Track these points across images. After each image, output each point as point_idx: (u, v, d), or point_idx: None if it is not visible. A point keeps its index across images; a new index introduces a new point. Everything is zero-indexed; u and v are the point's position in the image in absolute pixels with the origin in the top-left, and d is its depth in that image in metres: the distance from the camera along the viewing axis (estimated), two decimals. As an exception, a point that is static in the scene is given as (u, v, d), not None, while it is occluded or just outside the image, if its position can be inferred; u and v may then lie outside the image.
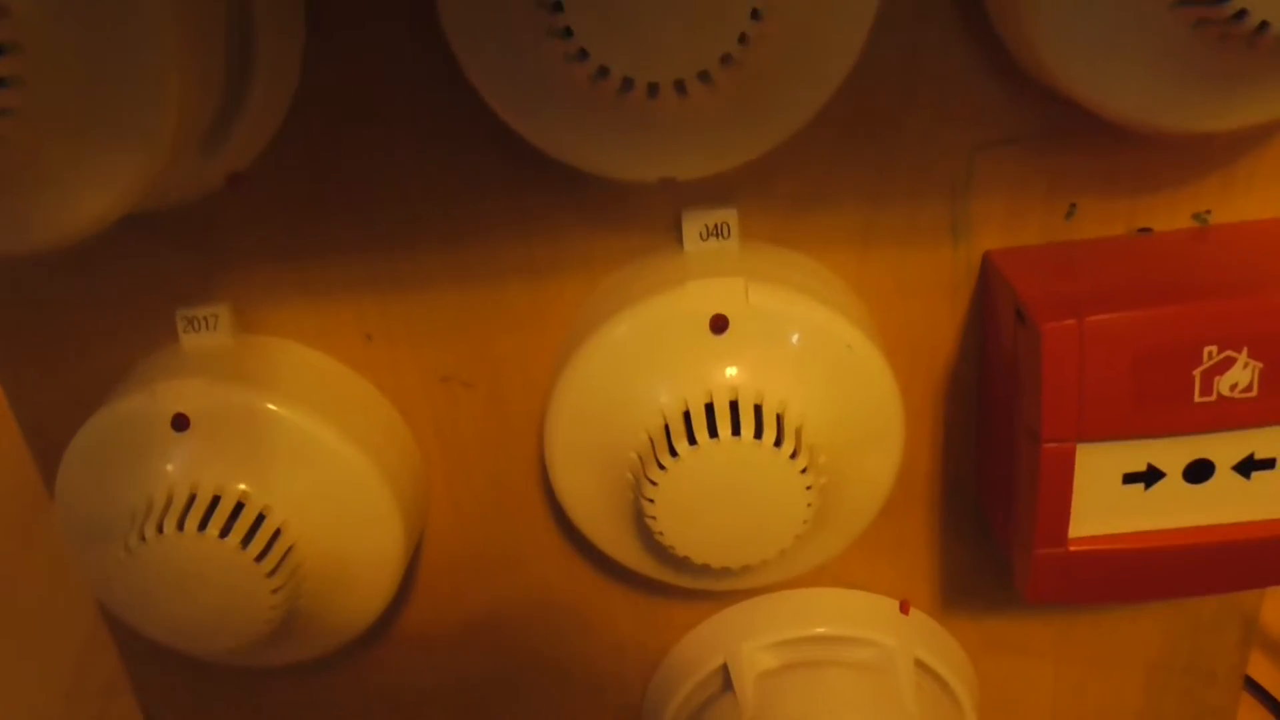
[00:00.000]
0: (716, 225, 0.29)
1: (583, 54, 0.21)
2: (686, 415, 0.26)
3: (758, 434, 0.26)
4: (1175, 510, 0.28)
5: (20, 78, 0.20)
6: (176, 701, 0.38)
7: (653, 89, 0.22)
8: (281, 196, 0.29)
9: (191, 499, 0.28)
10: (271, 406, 0.29)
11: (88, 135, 0.22)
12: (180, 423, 0.29)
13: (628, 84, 0.22)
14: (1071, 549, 0.28)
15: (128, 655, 0.37)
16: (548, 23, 0.21)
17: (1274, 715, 0.46)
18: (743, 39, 0.21)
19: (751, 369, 0.27)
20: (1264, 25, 0.21)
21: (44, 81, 0.21)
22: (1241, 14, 0.21)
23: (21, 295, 0.30)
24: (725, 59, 0.21)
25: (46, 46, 0.21)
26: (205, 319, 0.30)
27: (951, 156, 0.28)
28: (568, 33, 0.21)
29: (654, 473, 0.26)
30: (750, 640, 0.34)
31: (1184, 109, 0.24)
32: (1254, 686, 0.45)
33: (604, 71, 0.21)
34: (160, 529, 0.27)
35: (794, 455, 0.26)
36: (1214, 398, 0.26)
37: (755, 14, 0.21)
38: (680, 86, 0.22)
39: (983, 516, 0.33)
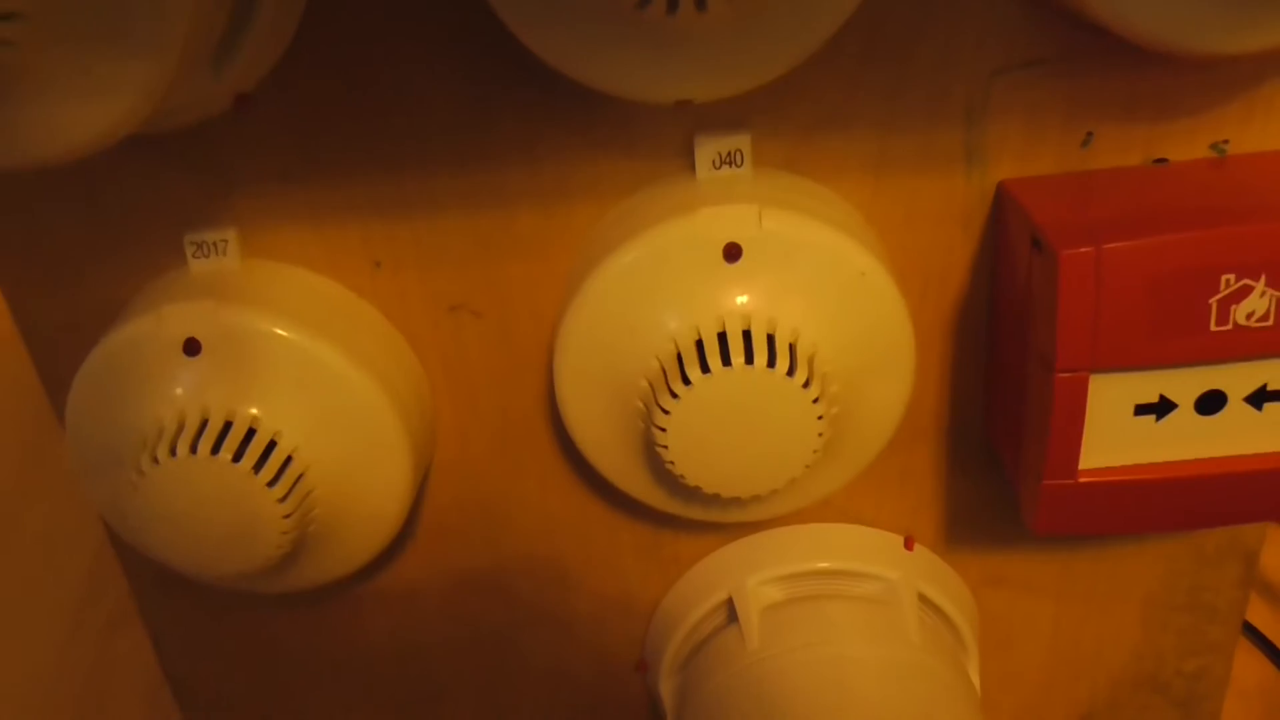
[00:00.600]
0: (730, 152, 0.28)
1: (600, -34, 0.21)
2: (699, 343, 0.26)
3: (770, 362, 0.26)
4: (1185, 442, 0.28)
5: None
6: (184, 629, 0.38)
7: (672, 3, 0.21)
8: (289, 119, 0.29)
9: (203, 424, 0.28)
10: (281, 332, 0.29)
11: (97, 44, 0.21)
12: (191, 347, 0.28)
13: (642, 2, 0.21)
14: (1081, 480, 0.28)
15: (135, 582, 0.37)
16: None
17: (1270, 658, 0.46)
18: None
19: (765, 297, 0.27)
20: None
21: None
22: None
23: (29, 218, 0.30)
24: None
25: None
26: (214, 244, 0.30)
27: (966, 82, 0.28)
28: (585, -58, 0.21)
29: (666, 401, 0.26)
30: (755, 574, 0.34)
31: (1206, 27, 0.24)
32: (1251, 631, 0.46)
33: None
34: (173, 453, 0.27)
35: (806, 384, 0.26)
36: (1230, 326, 0.25)
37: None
38: (700, 2, 0.21)
39: (991, 449, 0.33)
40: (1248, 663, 0.46)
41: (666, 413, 0.26)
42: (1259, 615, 0.47)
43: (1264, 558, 0.47)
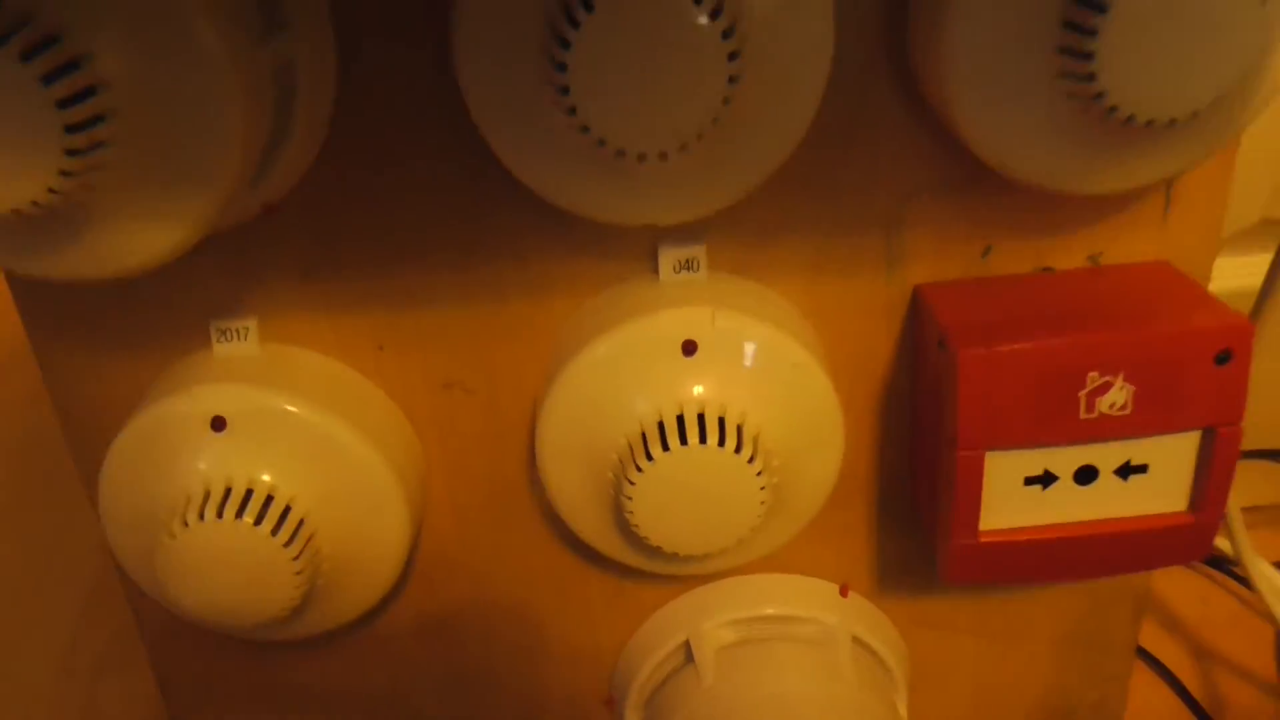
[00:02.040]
0: (688, 260, 0.33)
1: (585, 129, 0.26)
2: (661, 425, 0.31)
3: (721, 442, 0.31)
4: (1067, 507, 0.33)
5: (113, 138, 0.25)
6: (189, 673, 0.42)
7: (641, 157, 0.26)
8: (308, 224, 0.33)
9: (227, 491, 0.32)
10: (296, 410, 0.33)
11: (167, 183, 0.26)
12: (218, 424, 0.33)
13: (620, 153, 0.26)
14: (982, 540, 0.33)
15: (148, 632, 0.41)
16: (555, 98, 0.26)
17: (1170, 686, 0.52)
18: (715, 120, 0.26)
19: (716, 385, 0.32)
20: (1114, 109, 0.26)
21: (131, 140, 0.25)
22: (1101, 95, 0.26)
23: (70, 298, 0.34)
24: (700, 135, 0.26)
25: (134, 112, 0.25)
26: (237, 330, 0.34)
27: (886, 201, 0.33)
28: (572, 111, 0.26)
29: (632, 474, 0.31)
30: (710, 619, 0.39)
31: (1065, 175, 0.29)
32: (1144, 654, 0.52)
33: (601, 142, 0.26)
34: (201, 517, 0.32)
35: (751, 460, 0.31)
36: (1096, 415, 0.31)
37: (726, 101, 0.26)
38: (663, 155, 0.26)
39: (914, 510, 0.38)
40: (1152, 690, 0.51)
41: (633, 484, 0.31)
42: (1161, 646, 0.53)
43: (1168, 593, 0.53)
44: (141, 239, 0.27)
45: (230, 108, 0.25)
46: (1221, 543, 0.50)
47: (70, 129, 0.23)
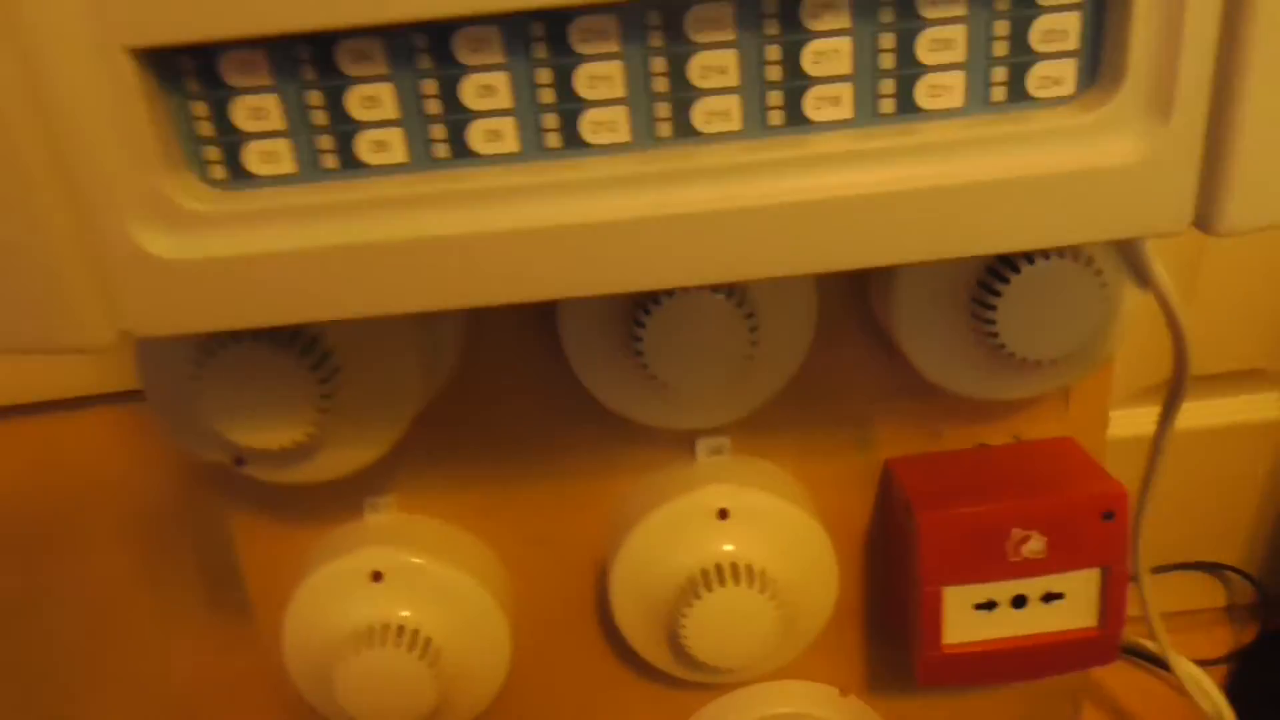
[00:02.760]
0: (717, 446, 0.46)
1: (651, 374, 0.38)
2: (704, 572, 0.43)
3: (750, 584, 0.42)
4: (1007, 626, 0.45)
5: (337, 389, 0.37)
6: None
7: (690, 391, 0.39)
8: (436, 429, 0.45)
9: (385, 626, 0.44)
10: (426, 563, 0.45)
11: (367, 422, 0.38)
12: (377, 577, 0.44)
13: (675, 389, 0.39)
14: (945, 652, 0.45)
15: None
16: (633, 355, 0.38)
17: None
18: (741, 369, 0.38)
19: (743, 542, 0.44)
20: (1011, 352, 0.38)
21: (348, 390, 0.37)
22: (1001, 343, 0.39)
23: (260, 487, 0.46)
24: (729, 378, 0.38)
25: (352, 370, 0.37)
26: (382, 504, 0.46)
27: (859, 404, 0.46)
28: (645, 364, 0.38)
29: (685, 609, 0.43)
30: (738, 717, 0.50)
31: (983, 389, 0.42)
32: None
33: (663, 384, 0.38)
34: (369, 645, 0.43)
35: (771, 597, 0.42)
36: (1021, 559, 0.43)
37: (749, 357, 0.38)
38: (705, 389, 0.39)
39: (894, 630, 0.50)
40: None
41: (686, 616, 0.43)
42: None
43: (1117, 689, 0.63)
44: (351, 456, 0.39)
45: (414, 365, 0.38)
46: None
47: (324, 395, 0.36)
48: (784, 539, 0.44)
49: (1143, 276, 0.39)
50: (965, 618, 0.44)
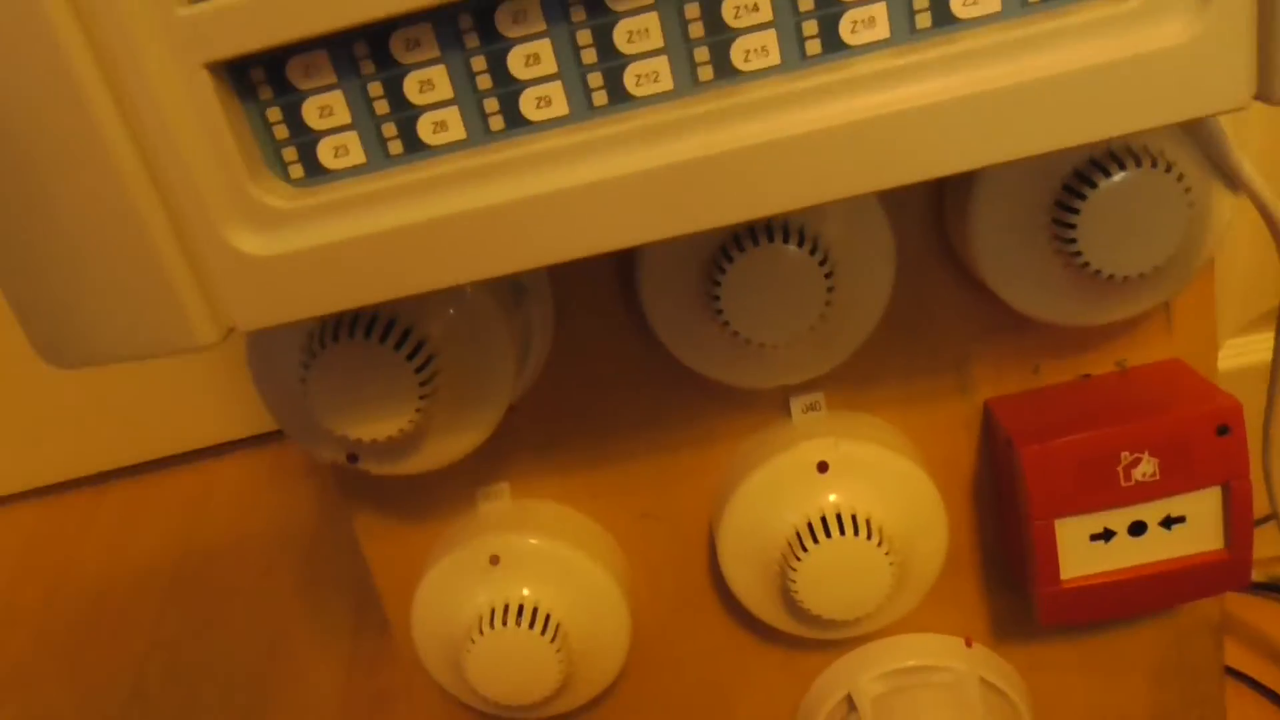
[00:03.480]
0: (812, 403, 0.46)
1: (735, 332, 0.39)
2: (809, 525, 0.43)
3: (855, 533, 0.42)
4: (1128, 555, 0.43)
5: (434, 376, 0.39)
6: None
7: (773, 346, 0.39)
8: (538, 416, 0.47)
9: (505, 606, 0.45)
10: (542, 544, 0.47)
11: (470, 403, 0.40)
12: (494, 560, 0.46)
13: (760, 345, 0.39)
14: (1064, 586, 0.44)
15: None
16: (713, 314, 0.39)
17: (1262, 695, 0.60)
18: (820, 317, 0.39)
19: (846, 493, 0.44)
20: (1096, 270, 0.38)
21: (448, 380, 0.39)
22: (1085, 261, 0.38)
23: (376, 482, 0.48)
24: (811, 328, 0.39)
25: (449, 360, 0.39)
26: (495, 493, 0.48)
27: (953, 345, 0.45)
28: (725, 321, 0.39)
29: (793, 564, 0.43)
30: (864, 674, 0.50)
31: (1072, 314, 0.41)
32: (1239, 675, 0.60)
33: (747, 341, 0.39)
34: (491, 626, 0.45)
35: (879, 544, 0.42)
36: (1133, 483, 0.42)
37: (827, 304, 0.38)
38: (788, 344, 0.39)
39: (1012, 572, 0.49)
40: (1253, 707, 0.59)
41: (794, 570, 0.43)
42: (1255, 666, 0.60)
43: (1257, 620, 0.61)
44: (455, 442, 0.40)
45: (506, 349, 0.39)
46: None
47: (422, 383, 0.37)
48: (886, 486, 0.44)
49: (1230, 175, 0.38)
50: (1082, 550, 0.43)
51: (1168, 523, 0.43)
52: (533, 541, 0.46)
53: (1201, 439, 0.41)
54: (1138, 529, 0.43)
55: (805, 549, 0.43)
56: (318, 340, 0.37)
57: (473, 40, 0.26)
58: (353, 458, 0.41)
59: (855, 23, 0.26)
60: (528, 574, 0.46)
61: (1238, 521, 0.42)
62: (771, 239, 0.37)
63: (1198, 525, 0.43)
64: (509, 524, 0.47)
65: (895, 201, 0.41)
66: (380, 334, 0.37)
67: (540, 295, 0.43)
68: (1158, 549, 0.43)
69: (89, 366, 0.30)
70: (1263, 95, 0.25)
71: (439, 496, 0.49)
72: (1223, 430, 0.41)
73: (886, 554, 0.43)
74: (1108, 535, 0.43)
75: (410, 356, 0.38)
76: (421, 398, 0.38)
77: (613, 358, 0.46)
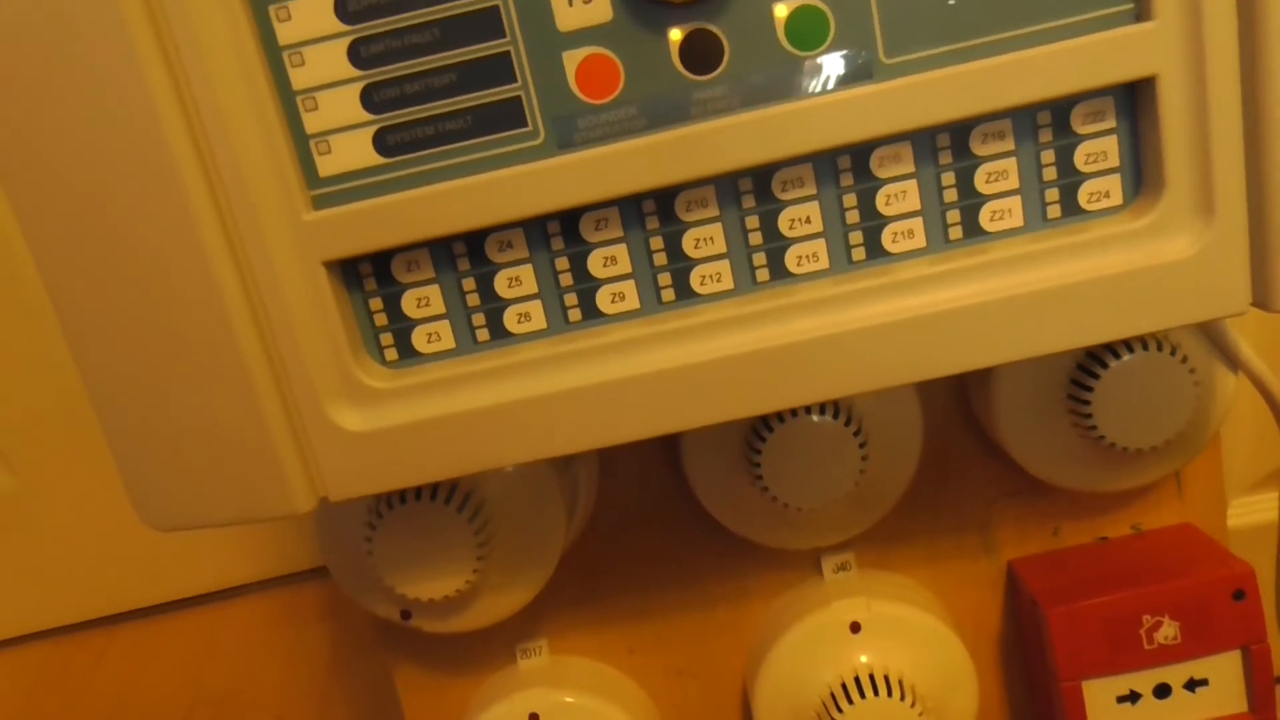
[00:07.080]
0: (843, 562, 0.48)
1: (772, 497, 0.41)
2: (844, 685, 0.44)
3: (889, 694, 0.44)
4: (1155, 717, 0.45)
5: (490, 537, 0.41)
6: None
7: (810, 510, 0.41)
8: (579, 572, 0.49)
9: (546, 765, 0.46)
10: (575, 700, 0.48)
11: (521, 563, 0.42)
12: (534, 718, 0.47)
13: (796, 509, 0.41)
14: (1094, 748, 0.45)
15: None
16: (754, 480, 0.42)
17: None
18: (855, 484, 0.41)
19: (878, 653, 0.45)
20: (1112, 443, 0.40)
21: (501, 541, 0.41)
22: (1100, 435, 0.41)
23: (419, 637, 0.50)
24: (846, 495, 0.41)
25: (503, 519, 0.41)
26: (534, 649, 0.49)
27: (977, 507, 0.48)
28: (765, 487, 0.41)
29: (829, 723, 0.44)
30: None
31: (1089, 482, 0.44)
32: None
33: (784, 505, 0.41)
34: (531, 786, 0.45)
35: (913, 705, 0.44)
36: (1156, 646, 0.43)
37: (861, 472, 0.41)
38: (824, 507, 0.42)
39: (1040, 733, 0.50)
40: None
41: (830, 731, 0.44)
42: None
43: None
44: (504, 601, 0.42)
45: (557, 509, 0.42)
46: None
47: (480, 544, 0.40)
48: (917, 646, 0.46)
49: (1231, 358, 0.41)
50: (1109, 712, 0.45)
51: (1191, 685, 0.44)
52: (570, 699, 0.47)
53: (1219, 604, 0.43)
54: (1162, 691, 0.44)
55: (840, 709, 0.44)
56: (385, 502, 0.39)
57: (558, 244, 0.30)
58: (406, 614, 0.43)
59: (896, 234, 0.29)
60: (568, 732, 0.47)
61: (1259, 685, 0.44)
62: (809, 411, 0.40)
63: (1221, 688, 0.44)
64: (546, 680, 0.48)
65: (920, 375, 0.44)
66: (445, 497, 0.40)
67: (587, 456, 0.45)
68: (1183, 712, 0.44)
69: (186, 529, 0.32)
70: (1259, 303, 0.28)
71: (479, 651, 0.50)
72: (1239, 595, 0.43)
73: (920, 714, 0.44)
74: (1134, 697, 0.44)
75: (471, 519, 0.40)
76: (479, 558, 0.40)
77: (651, 517, 0.48)
